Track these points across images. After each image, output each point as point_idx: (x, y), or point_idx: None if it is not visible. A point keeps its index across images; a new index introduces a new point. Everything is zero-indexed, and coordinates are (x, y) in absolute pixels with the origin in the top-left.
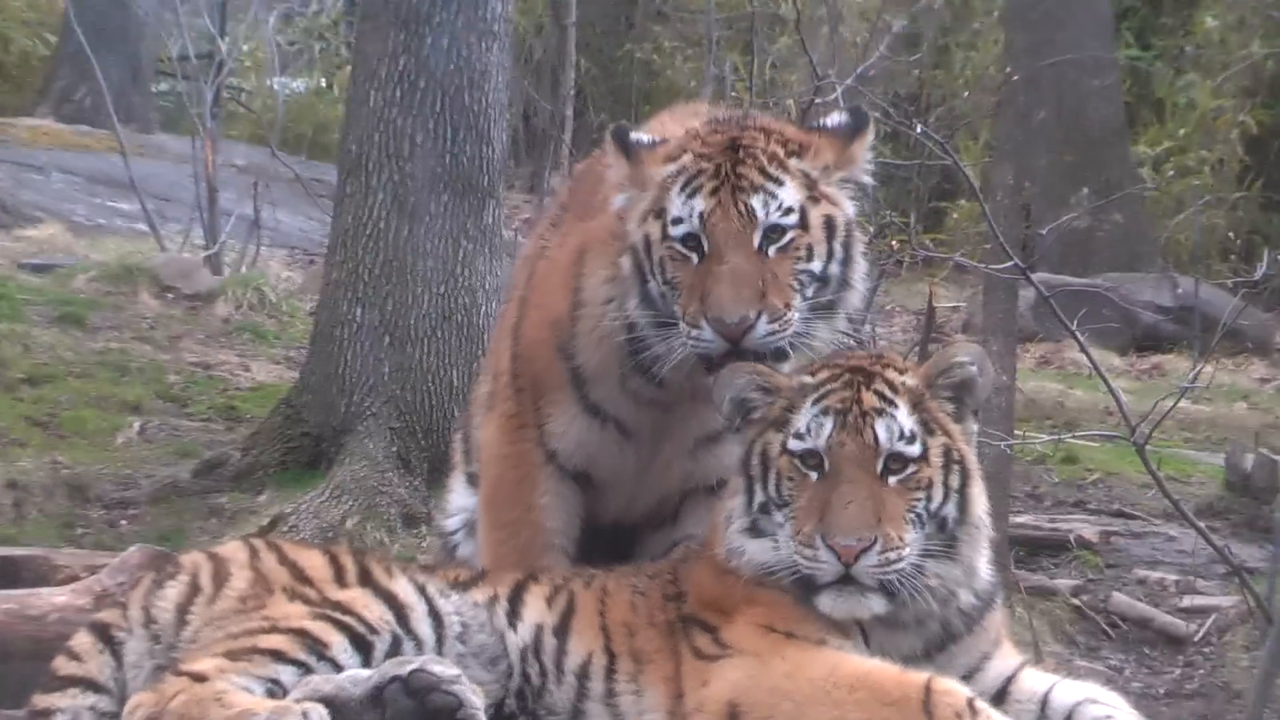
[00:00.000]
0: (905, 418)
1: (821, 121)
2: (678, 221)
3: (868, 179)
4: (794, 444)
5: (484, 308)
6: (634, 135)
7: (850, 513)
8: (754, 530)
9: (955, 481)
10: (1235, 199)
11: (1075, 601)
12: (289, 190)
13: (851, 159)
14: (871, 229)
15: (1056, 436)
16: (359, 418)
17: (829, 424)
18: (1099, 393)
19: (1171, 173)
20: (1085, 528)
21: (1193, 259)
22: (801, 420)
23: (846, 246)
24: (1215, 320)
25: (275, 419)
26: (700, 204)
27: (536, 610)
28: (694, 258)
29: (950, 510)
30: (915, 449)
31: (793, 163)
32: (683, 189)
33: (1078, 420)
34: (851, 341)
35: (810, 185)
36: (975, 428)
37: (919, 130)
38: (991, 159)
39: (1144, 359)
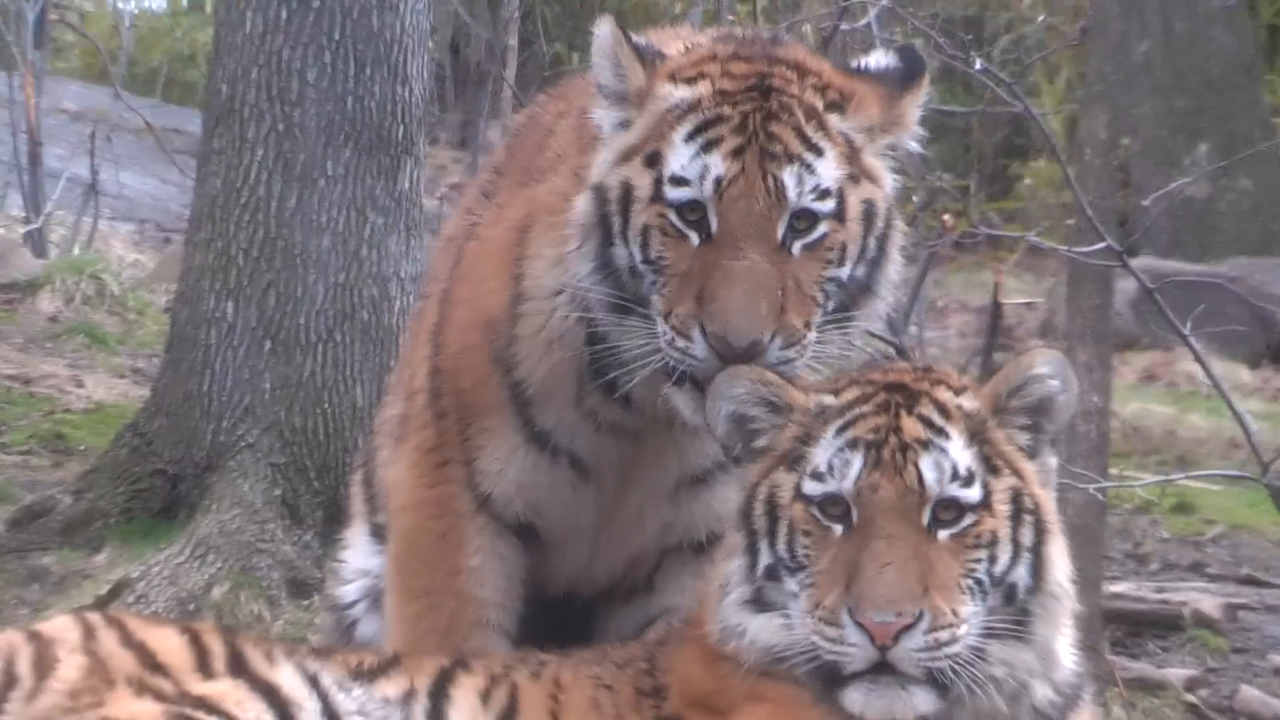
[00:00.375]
0: (961, 451)
1: (863, 63)
2: (680, 182)
3: (916, 145)
4: (811, 487)
5: (398, 302)
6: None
7: (887, 579)
8: (759, 602)
9: (1028, 537)
10: None
11: (1191, 698)
12: (137, 144)
13: (900, 119)
14: (917, 199)
15: (1166, 478)
16: (230, 450)
17: (858, 460)
18: (1222, 418)
19: None
20: (1204, 599)
21: None
22: (821, 455)
23: (883, 241)
24: None
25: (118, 451)
26: (718, 165)
27: (468, 709)
28: (694, 237)
29: (1021, 575)
30: (974, 493)
31: (834, 121)
32: (693, 135)
33: (1194, 455)
34: (887, 349)
35: (852, 156)
36: (1055, 463)
37: (979, 66)
38: (1077, 105)
39: None
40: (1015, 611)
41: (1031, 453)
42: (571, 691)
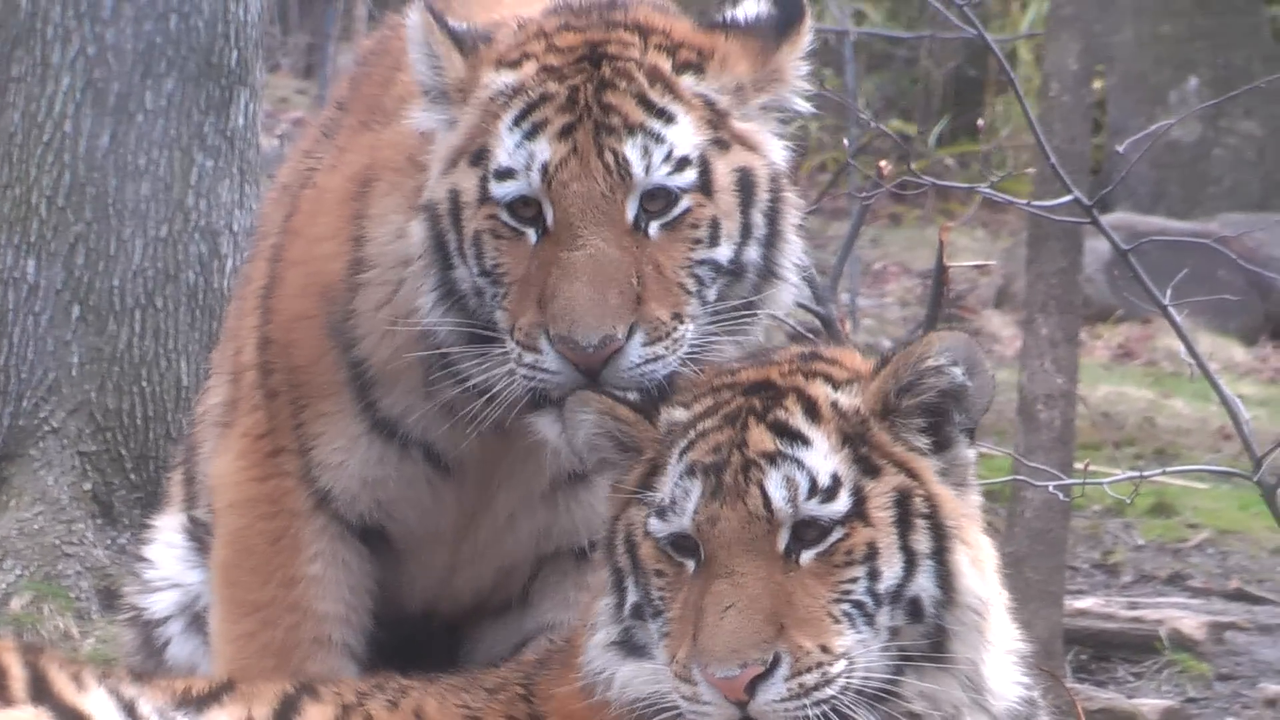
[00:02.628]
0: (822, 459)
1: (728, 15)
2: (506, 175)
3: (803, 105)
4: (655, 525)
5: (230, 261)
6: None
7: (728, 626)
8: (627, 645)
9: (924, 543)
10: None
11: None
12: None
13: (777, 74)
14: (848, 142)
15: (1141, 474)
16: (31, 436)
17: (695, 489)
18: (1210, 404)
19: None
20: (1185, 617)
21: None
22: (665, 488)
23: (772, 216)
24: None
25: None
26: (544, 150)
27: None
28: (530, 235)
29: (924, 587)
30: (839, 506)
31: (687, 83)
32: (518, 121)
33: (1176, 448)
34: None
35: (716, 120)
36: (973, 455)
37: None
38: (1045, 31)
39: None
40: (928, 631)
41: (938, 445)
42: None
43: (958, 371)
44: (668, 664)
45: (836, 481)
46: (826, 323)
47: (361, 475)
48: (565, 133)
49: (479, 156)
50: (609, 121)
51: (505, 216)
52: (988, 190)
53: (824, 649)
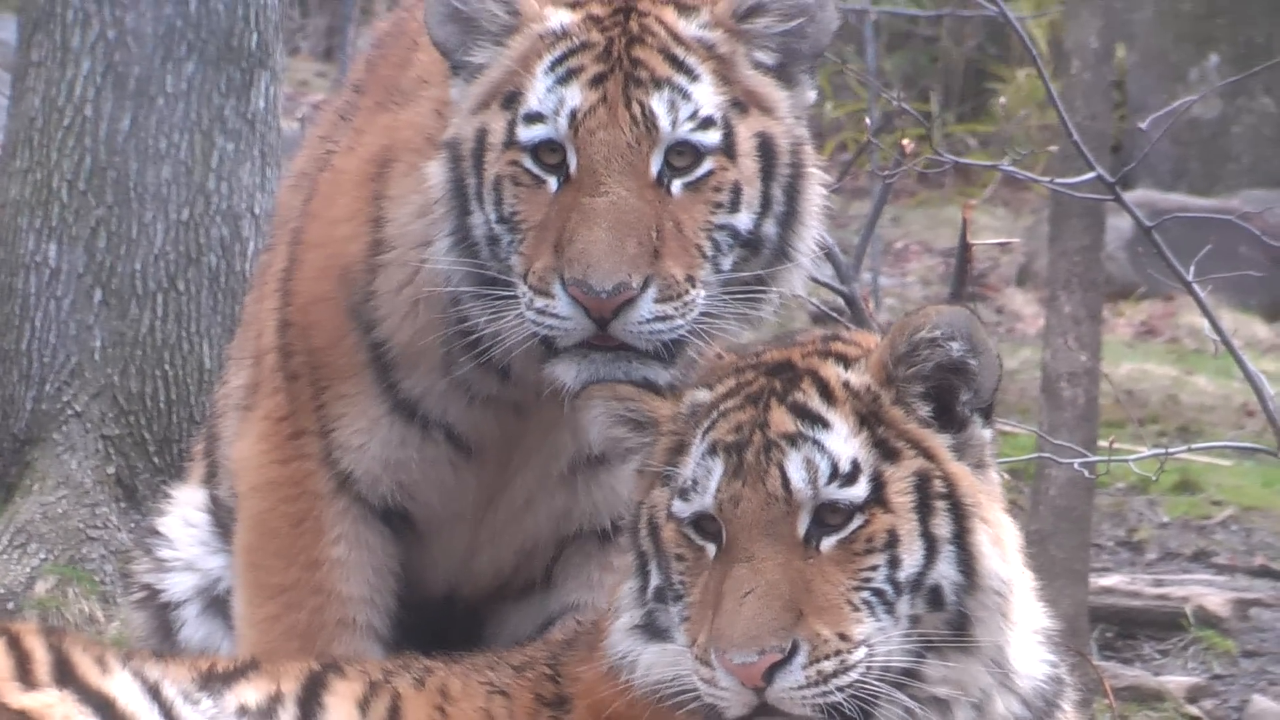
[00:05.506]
0: (843, 443)
1: None
2: (534, 119)
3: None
4: (679, 506)
5: (252, 244)
6: None
7: (746, 611)
8: (651, 629)
9: (944, 528)
10: None
11: (1193, 710)
12: None
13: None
14: (870, 120)
15: (1166, 451)
16: (55, 420)
17: (718, 468)
18: (1233, 380)
19: None
20: (1210, 594)
21: None
22: (688, 467)
23: (791, 193)
24: None
25: None
26: (574, 96)
27: (343, 719)
28: (551, 183)
29: (945, 574)
30: (859, 490)
31: (708, 38)
32: (554, 66)
33: (1200, 425)
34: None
35: (726, 73)
36: (989, 435)
37: None
38: (1064, 6)
39: None
40: (951, 617)
41: (949, 424)
42: (461, 702)
43: (955, 346)
44: (688, 648)
45: (856, 467)
46: (850, 301)
47: (383, 457)
48: (597, 81)
49: (511, 100)
50: (637, 74)
51: (528, 162)
52: (1010, 168)
53: (843, 637)
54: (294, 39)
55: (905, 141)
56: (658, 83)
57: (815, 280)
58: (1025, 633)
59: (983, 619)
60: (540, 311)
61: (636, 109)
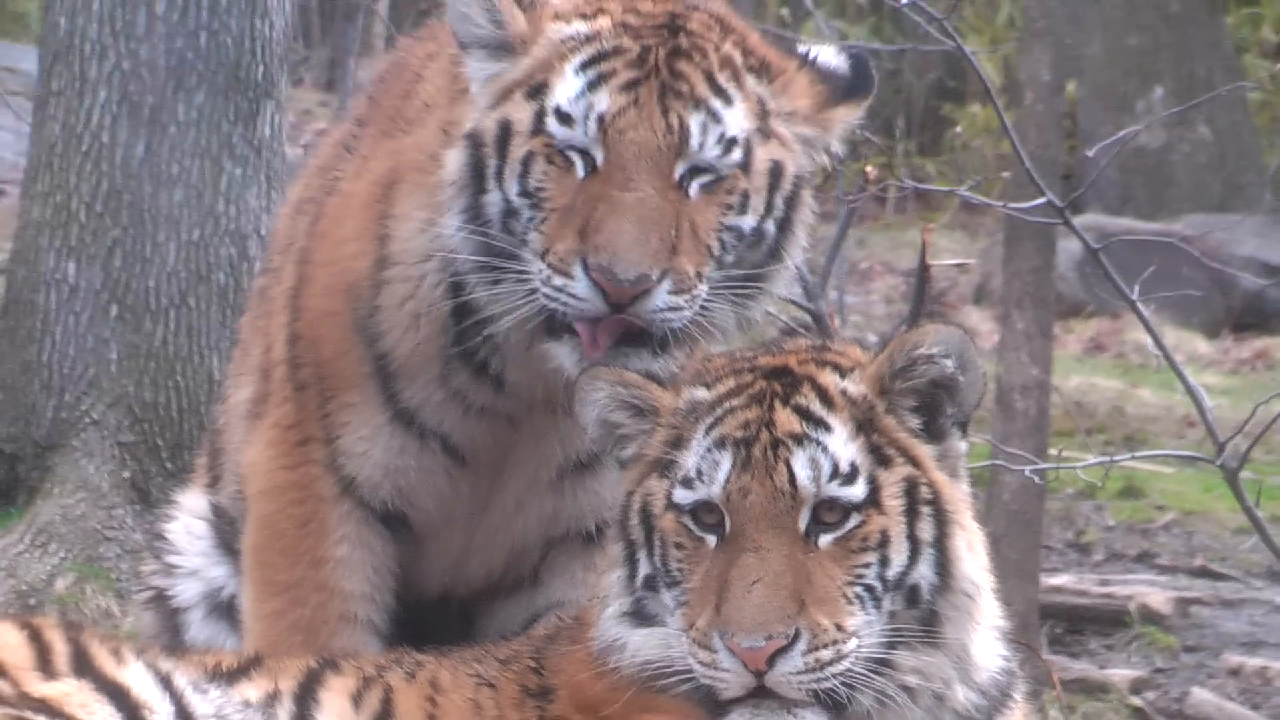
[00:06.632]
0: (843, 445)
1: (810, 53)
2: (565, 119)
3: (838, 148)
4: (681, 495)
5: (258, 263)
6: None
7: (755, 598)
8: (639, 615)
9: (927, 532)
10: None
11: (1136, 701)
12: None
13: (828, 124)
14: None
15: (1111, 459)
16: (73, 427)
17: (726, 461)
18: (1175, 393)
19: None
20: (1153, 593)
21: None
22: (691, 458)
23: (790, 205)
24: None
25: None
26: (604, 99)
27: (337, 713)
28: (579, 168)
29: (924, 575)
30: (858, 491)
31: (751, 82)
32: (584, 68)
33: (1144, 434)
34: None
35: (763, 115)
36: (965, 447)
37: None
38: (1018, 42)
39: (1243, 343)
40: (923, 614)
41: (932, 436)
42: (450, 693)
43: (949, 363)
44: (684, 631)
45: (854, 469)
46: (817, 318)
47: (384, 463)
48: (629, 86)
49: (537, 90)
50: (677, 86)
51: (560, 145)
52: (967, 193)
53: (839, 627)
54: (298, 70)
55: (869, 169)
56: (696, 101)
57: (784, 298)
58: (986, 630)
59: (952, 618)
60: (557, 289)
61: (674, 119)
